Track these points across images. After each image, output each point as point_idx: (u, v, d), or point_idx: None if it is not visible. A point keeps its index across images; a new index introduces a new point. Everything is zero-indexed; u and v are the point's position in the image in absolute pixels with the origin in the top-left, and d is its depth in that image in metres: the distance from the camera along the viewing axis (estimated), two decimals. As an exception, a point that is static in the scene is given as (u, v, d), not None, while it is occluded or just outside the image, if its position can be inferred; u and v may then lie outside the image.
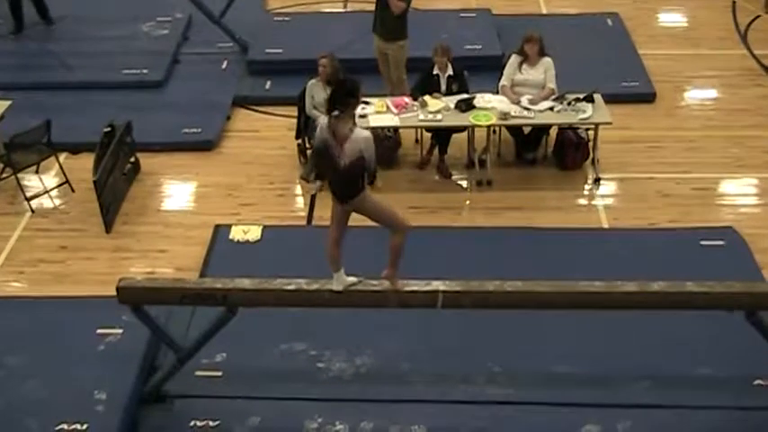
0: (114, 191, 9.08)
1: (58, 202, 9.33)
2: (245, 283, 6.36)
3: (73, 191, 9.38)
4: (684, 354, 7.15)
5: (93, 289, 7.83)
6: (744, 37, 12.29)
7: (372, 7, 10.13)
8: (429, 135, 9.78)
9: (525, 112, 9.32)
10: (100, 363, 6.99)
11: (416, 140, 10.00)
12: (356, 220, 6.13)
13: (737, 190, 9.48)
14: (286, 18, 12.56)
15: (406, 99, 9.53)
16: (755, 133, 10.24)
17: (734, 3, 13.11)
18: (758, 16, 12.78)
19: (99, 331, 7.27)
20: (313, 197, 9.23)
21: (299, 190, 9.51)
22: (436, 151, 9.72)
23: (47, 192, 9.34)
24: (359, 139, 5.72)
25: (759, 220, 8.93)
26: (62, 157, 9.65)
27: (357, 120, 5.95)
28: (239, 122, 10.67)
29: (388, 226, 6.02)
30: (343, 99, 5.72)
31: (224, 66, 11.60)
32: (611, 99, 9.76)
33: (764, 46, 12.00)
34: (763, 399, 6.78)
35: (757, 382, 6.89)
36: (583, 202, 9.40)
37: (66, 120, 9.84)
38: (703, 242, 8.39)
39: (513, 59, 9.62)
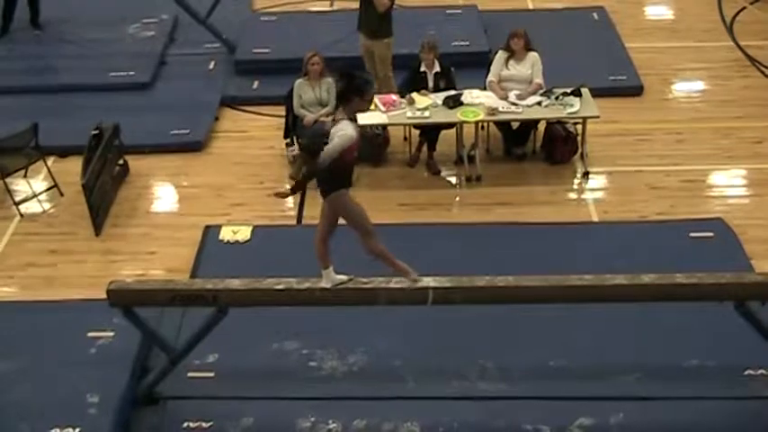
0: (103, 194, 9.06)
1: (46, 206, 9.30)
2: (236, 283, 6.36)
3: (62, 194, 9.35)
4: (675, 345, 7.17)
5: (84, 292, 7.82)
6: (730, 28, 12.32)
7: (358, 5, 10.13)
8: (417, 132, 9.79)
9: (513, 108, 9.34)
10: (91, 366, 6.97)
11: (405, 138, 10.01)
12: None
13: (726, 181, 9.50)
14: (273, 18, 12.55)
15: (394, 96, 9.54)
16: (743, 124, 10.27)
17: (719, -6, 13.18)
18: (744, 8, 12.82)
19: (90, 334, 7.25)
20: (302, 197, 9.23)
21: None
22: (425, 148, 9.73)
23: (35, 196, 9.30)
24: (336, 132, 5.72)
25: (748, 211, 8.96)
26: (50, 160, 9.61)
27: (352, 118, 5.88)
28: (227, 123, 10.65)
29: (354, 229, 6.02)
30: (347, 94, 5.73)
31: (211, 66, 11.58)
32: (598, 93, 9.80)
33: (750, 37, 12.04)
34: (754, 388, 6.80)
35: (747, 372, 6.91)
36: (572, 196, 9.42)
37: (54, 123, 9.79)
38: (693, 234, 8.41)
39: (500, 55, 9.64)
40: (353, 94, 5.73)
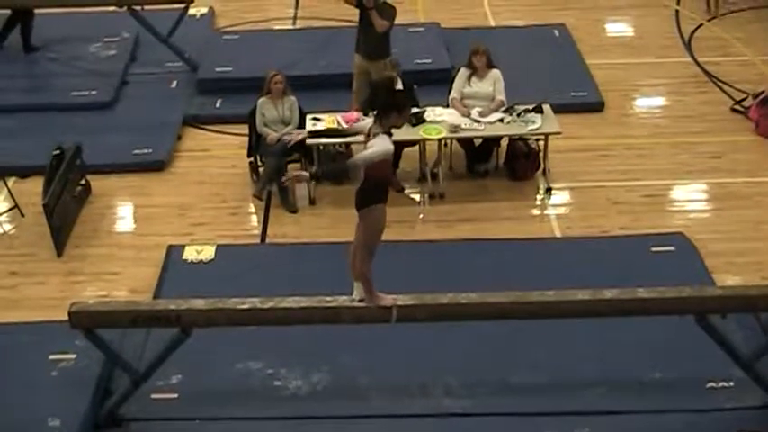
0: (65, 214, 8.98)
1: (7, 227, 9.20)
2: (199, 303, 6.33)
3: (22, 215, 9.25)
4: (638, 359, 7.22)
5: (45, 314, 7.71)
6: (688, 45, 12.49)
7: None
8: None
9: (475, 125, 9.39)
10: (53, 389, 6.89)
11: (368, 155, 10.00)
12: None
13: (686, 196, 9.62)
14: (235, 36, 12.54)
15: (357, 114, 9.55)
16: (702, 139, 10.40)
17: (677, 11, 13.35)
18: (701, 24, 13.01)
19: (52, 357, 7.16)
20: (266, 215, 9.22)
21: (251, 208, 9.47)
22: (388, 165, 9.74)
23: (-5, 217, 9.23)
24: (373, 144, 5.75)
25: (708, 225, 9.06)
26: (10, 181, 9.52)
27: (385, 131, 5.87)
28: (190, 142, 10.61)
29: (362, 245, 6.03)
30: (387, 108, 5.76)
31: (173, 85, 11.53)
32: (560, 109, 9.89)
33: (708, 53, 12.21)
34: (716, 401, 6.87)
35: (710, 384, 6.97)
36: (535, 212, 9.48)
37: (15, 143, 9.73)
38: (654, 248, 8.48)
39: (462, 72, 9.70)
40: (393, 109, 5.76)
